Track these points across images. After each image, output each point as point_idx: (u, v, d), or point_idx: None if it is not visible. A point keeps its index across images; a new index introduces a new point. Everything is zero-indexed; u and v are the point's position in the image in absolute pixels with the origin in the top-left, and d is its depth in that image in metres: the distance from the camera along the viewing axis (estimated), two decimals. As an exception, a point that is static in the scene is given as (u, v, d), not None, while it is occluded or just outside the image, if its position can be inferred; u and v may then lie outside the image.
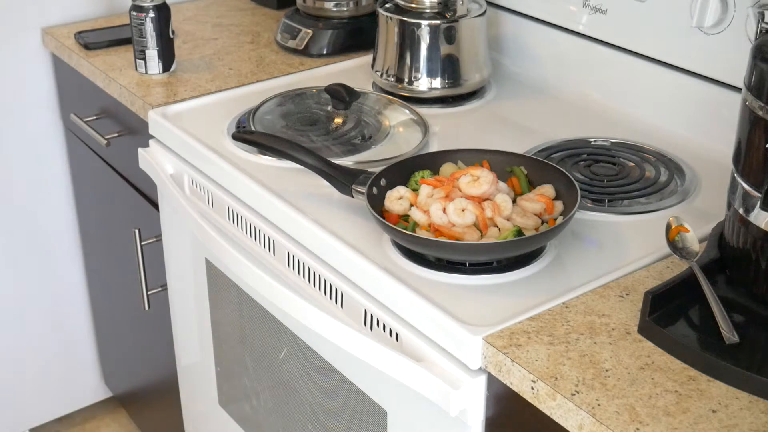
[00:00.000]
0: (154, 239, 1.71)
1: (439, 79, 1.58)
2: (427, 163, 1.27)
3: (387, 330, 1.13)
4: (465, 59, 1.59)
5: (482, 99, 1.62)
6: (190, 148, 1.47)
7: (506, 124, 1.55)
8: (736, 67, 1.21)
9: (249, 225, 1.36)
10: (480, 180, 1.18)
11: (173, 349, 1.78)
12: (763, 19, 1.04)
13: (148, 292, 1.75)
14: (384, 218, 1.17)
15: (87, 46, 1.82)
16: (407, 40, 1.57)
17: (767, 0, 1.10)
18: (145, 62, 1.68)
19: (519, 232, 1.13)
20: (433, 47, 1.57)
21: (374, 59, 1.65)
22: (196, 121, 1.55)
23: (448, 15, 1.57)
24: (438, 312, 1.05)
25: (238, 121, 1.53)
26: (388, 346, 1.09)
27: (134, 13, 1.65)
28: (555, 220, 1.17)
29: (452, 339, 1.04)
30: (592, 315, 1.05)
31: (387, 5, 1.62)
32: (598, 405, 0.92)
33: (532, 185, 1.23)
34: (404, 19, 1.57)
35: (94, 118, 1.85)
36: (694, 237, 1.10)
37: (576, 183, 1.19)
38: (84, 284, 2.22)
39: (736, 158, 1.02)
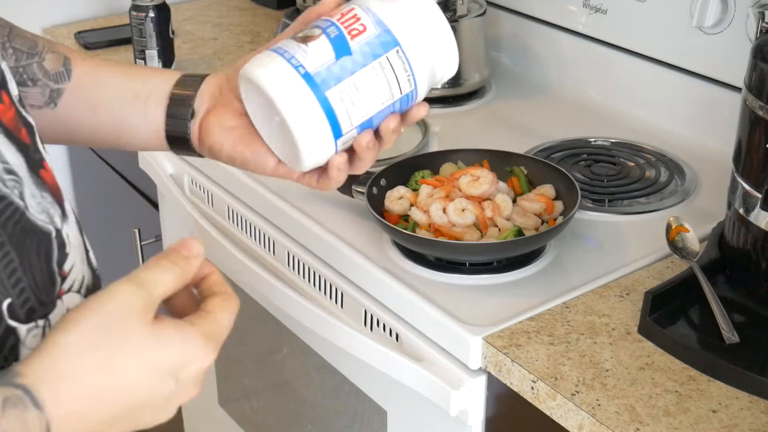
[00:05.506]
0: (154, 239, 1.71)
1: (439, 79, 1.58)
2: (427, 163, 1.27)
3: (387, 330, 1.13)
4: (465, 59, 1.59)
5: (482, 99, 1.62)
6: (190, 148, 1.47)
7: (506, 124, 1.55)
8: (736, 67, 1.21)
9: (249, 225, 1.36)
10: (480, 180, 1.18)
11: (173, 349, 1.77)
12: (763, 19, 1.05)
13: (148, 292, 1.74)
14: (384, 218, 1.17)
15: (87, 46, 1.82)
16: (407, 40, 1.57)
17: (767, 0, 1.10)
18: (145, 62, 1.68)
19: (519, 232, 1.13)
20: (433, 47, 1.56)
21: (374, 59, 1.65)
22: (196, 121, 1.54)
23: (448, 15, 1.57)
24: (438, 312, 1.05)
25: (238, 121, 1.53)
26: (388, 346, 1.09)
27: (134, 13, 1.65)
28: (555, 220, 1.17)
29: (452, 339, 1.04)
30: (592, 315, 1.05)
31: (387, 5, 1.62)
32: (598, 405, 0.92)
33: (532, 185, 1.23)
34: (404, 19, 1.57)
35: (94, 118, 1.85)
36: (694, 237, 1.10)
37: (576, 183, 1.19)
38: (84, 284, 2.22)
39: (736, 158, 1.02)
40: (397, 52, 0.78)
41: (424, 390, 1.05)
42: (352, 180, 1.25)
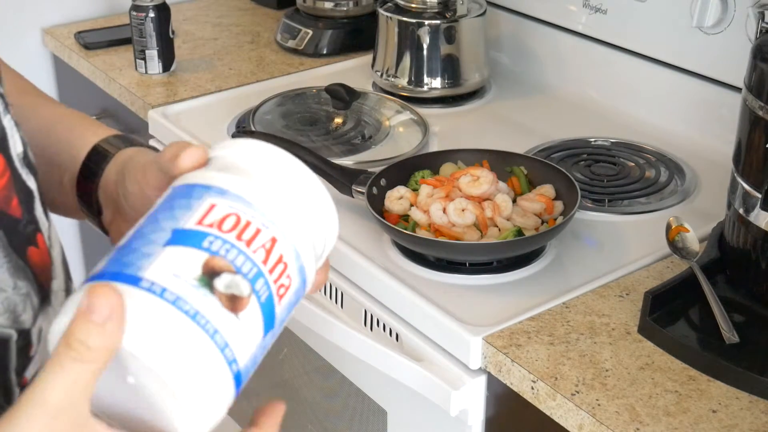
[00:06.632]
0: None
1: (439, 79, 1.58)
2: (427, 163, 1.27)
3: (387, 330, 1.13)
4: (465, 59, 1.59)
5: (482, 99, 1.62)
6: (190, 148, 1.46)
7: (506, 124, 1.55)
8: (736, 67, 1.21)
9: (249, 225, 1.35)
10: (480, 180, 1.18)
11: (173, 349, 1.77)
12: (763, 19, 1.04)
13: (148, 292, 1.74)
14: (384, 218, 1.17)
15: (87, 46, 1.82)
16: (407, 40, 1.57)
17: (767, 0, 1.10)
18: (145, 62, 1.68)
19: (519, 232, 1.13)
20: (433, 47, 1.57)
21: (374, 59, 1.65)
22: (196, 121, 1.55)
23: (448, 15, 1.57)
24: (438, 312, 1.05)
25: (238, 121, 1.53)
26: (388, 346, 1.09)
27: (134, 13, 1.65)
28: (555, 220, 1.17)
29: (452, 339, 1.04)
30: (592, 315, 1.05)
31: (387, 5, 1.62)
32: (598, 405, 0.92)
33: (532, 185, 1.23)
34: (404, 19, 1.57)
35: (95, 118, 1.85)
36: (694, 237, 1.10)
37: (576, 183, 1.19)
38: (84, 284, 2.22)
39: (736, 158, 1.02)
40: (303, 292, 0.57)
41: (424, 390, 1.05)
42: (352, 180, 1.25)
